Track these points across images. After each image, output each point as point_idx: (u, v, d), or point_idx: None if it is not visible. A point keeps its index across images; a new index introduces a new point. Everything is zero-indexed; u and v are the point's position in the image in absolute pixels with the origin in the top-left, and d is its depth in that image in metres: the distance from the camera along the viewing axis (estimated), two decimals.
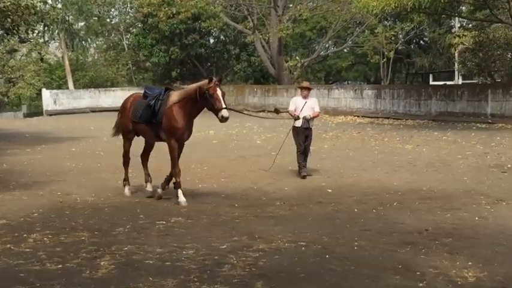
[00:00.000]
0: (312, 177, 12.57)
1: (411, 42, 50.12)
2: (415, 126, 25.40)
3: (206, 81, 9.77)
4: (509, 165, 13.45)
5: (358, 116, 31.00)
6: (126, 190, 10.84)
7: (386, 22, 40.41)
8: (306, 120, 12.72)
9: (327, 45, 46.27)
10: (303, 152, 12.73)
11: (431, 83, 48.25)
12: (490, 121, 24.84)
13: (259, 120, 22.23)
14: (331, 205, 9.66)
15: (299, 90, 13.67)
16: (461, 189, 10.90)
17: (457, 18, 34.89)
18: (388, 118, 29.36)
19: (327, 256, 6.60)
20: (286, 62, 38.63)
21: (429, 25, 42.02)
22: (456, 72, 41.26)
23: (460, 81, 43.02)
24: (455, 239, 7.37)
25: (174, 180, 10.11)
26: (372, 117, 30.01)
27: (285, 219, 8.63)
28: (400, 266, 6.23)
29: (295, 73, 38.77)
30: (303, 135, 12.79)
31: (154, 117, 10.09)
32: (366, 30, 38.87)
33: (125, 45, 48.68)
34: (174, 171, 10.06)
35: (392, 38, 38.29)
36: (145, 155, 11.18)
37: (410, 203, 9.73)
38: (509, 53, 31.06)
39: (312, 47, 48.42)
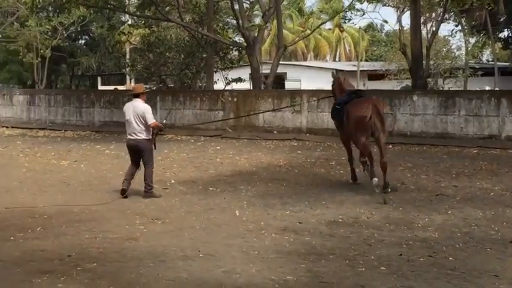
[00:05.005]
0: None
1: (77, 38, 50.84)
2: (75, 138, 26.04)
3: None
4: (172, 181, 14.73)
5: (7, 127, 30.74)
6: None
7: (41, 14, 40.29)
8: None
9: None
10: None
11: (99, 87, 49.68)
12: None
13: None
14: None
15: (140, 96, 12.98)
16: (117, 209, 11.69)
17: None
18: (43, 129, 29.70)
19: None
20: None
21: (96, 19, 42.99)
22: (128, 76, 43.08)
23: (133, 85, 44.90)
24: (100, 264, 8.03)
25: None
26: (24, 128, 30.05)
27: None
28: None
29: None
30: None
31: None
32: (16, 23, 38.40)
33: None
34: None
35: (49, 33, 38.34)
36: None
37: (56, 227, 10.20)
38: (182, 56, 33.43)
39: None
